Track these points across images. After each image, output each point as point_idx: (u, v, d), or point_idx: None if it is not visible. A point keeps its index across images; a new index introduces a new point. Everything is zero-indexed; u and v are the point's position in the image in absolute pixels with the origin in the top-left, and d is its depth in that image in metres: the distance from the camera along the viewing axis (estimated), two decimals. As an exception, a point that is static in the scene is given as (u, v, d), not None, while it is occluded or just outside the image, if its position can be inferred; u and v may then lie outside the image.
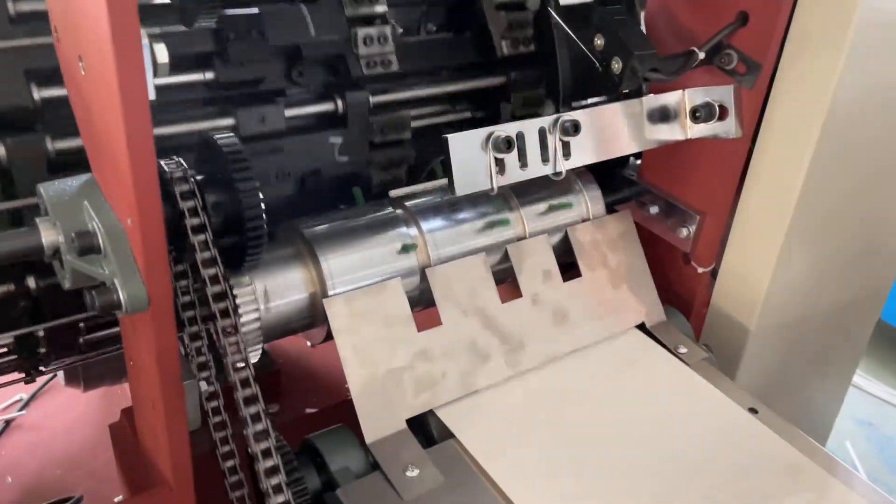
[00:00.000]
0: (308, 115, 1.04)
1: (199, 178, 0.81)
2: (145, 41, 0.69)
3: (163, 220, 0.66)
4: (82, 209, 0.72)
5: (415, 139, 1.13)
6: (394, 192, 1.07)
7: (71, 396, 1.51)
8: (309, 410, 1.43)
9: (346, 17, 1.04)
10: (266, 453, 0.78)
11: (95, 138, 0.71)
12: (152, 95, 0.70)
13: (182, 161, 0.78)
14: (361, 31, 1.04)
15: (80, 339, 1.02)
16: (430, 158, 1.15)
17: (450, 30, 1.19)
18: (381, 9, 1.06)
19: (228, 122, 0.97)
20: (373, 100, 1.06)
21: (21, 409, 1.48)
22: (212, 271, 0.77)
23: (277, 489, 0.78)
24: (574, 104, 1.17)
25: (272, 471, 0.78)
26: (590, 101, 1.18)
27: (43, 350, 0.97)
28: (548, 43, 1.14)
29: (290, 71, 1.01)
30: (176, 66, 0.87)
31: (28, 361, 1.00)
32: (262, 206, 0.79)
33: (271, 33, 0.96)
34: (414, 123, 1.13)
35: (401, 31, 1.10)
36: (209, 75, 0.94)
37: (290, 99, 1.02)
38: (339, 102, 1.04)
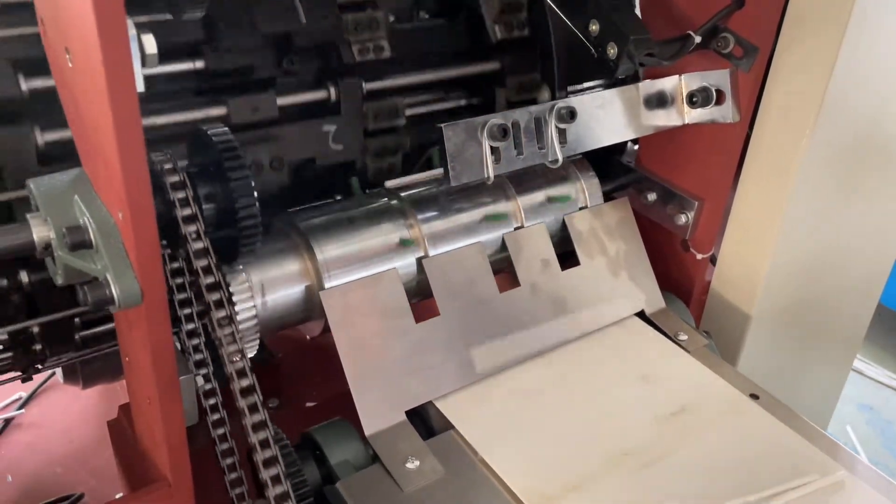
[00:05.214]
0: (301, 103, 1.03)
1: (190, 171, 0.80)
2: (133, 32, 0.68)
3: (154, 213, 0.66)
4: (73, 204, 0.71)
5: (410, 127, 1.12)
6: (390, 183, 1.06)
7: (70, 394, 1.50)
8: (309, 404, 1.43)
9: (336, 4, 1.03)
10: (265, 446, 0.77)
11: (85, 132, 0.70)
12: (141, 87, 0.68)
13: (172, 155, 0.77)
14: (352, 17, 1.03)
15: (77, 336, 1.01)
16: (426, 147, 1.14)
17: (442, 15, 1.18)
18: None
19: (220, 111, 0.96)
20: (366, 86, 1.05)
21: (20, 408, 1.48)
22: (203, 262, 0.76)
23: (276, 480, 0.77)
24: (570, 88, 1.16)
25: (271, 462, 0.77)
26: (586, 84, 1.17)
27: (38, 347, 0.96)
28: (542, 26, 1.13)
29: (282, 59, 1.00)
30: (166, 55, 0.86)
31: (24, 358, 0.99)
32: (255, 196, 0.78)
33: (261, 21, 0.95)
34: (409, 112, 1.12)
35: (393, 18, 1.08)
36: (199, 64, 0.93)
37: (282, 87, 1.01)
38: (332, 90, 1.03)
